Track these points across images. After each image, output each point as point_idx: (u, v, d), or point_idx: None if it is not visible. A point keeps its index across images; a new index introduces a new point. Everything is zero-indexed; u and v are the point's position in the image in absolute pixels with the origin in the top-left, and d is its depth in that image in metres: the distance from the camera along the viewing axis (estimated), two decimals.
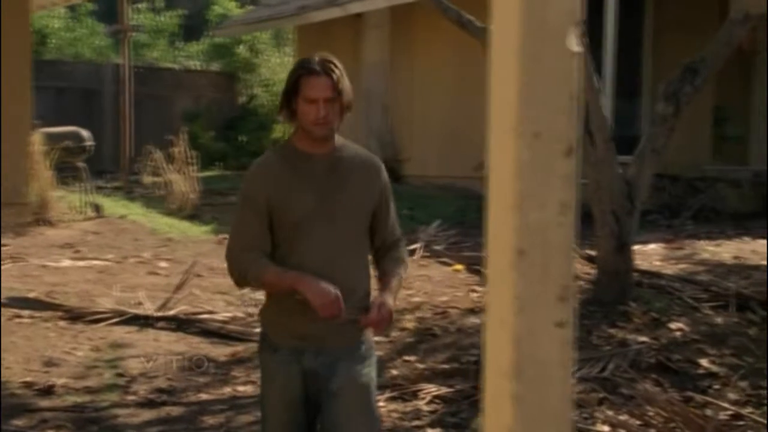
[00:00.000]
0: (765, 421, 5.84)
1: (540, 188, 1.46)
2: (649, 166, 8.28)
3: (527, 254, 1.46)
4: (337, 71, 3.61)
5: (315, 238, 3.68)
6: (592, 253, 8.93)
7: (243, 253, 3.70)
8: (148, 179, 15.80)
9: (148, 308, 7.63)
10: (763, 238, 11.93)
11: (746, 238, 11.96)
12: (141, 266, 9.73)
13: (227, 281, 9.06)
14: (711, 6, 15.62)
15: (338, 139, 3.78)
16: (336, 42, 18.99)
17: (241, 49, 23.25)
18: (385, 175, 3.87)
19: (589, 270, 9.35)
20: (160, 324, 7.41)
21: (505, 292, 1.47)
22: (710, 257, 10.75)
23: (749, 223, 13.38)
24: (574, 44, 1.46)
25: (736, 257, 10.72)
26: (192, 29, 29.23)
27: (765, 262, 10.25)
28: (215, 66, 24.65)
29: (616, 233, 8.14)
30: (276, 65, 23.02)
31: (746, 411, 6.09)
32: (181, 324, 7.41)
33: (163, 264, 9.86)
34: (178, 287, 7.68)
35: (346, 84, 3.64)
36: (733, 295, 8.45)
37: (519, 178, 1.46)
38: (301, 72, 3.62)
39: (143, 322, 7.43)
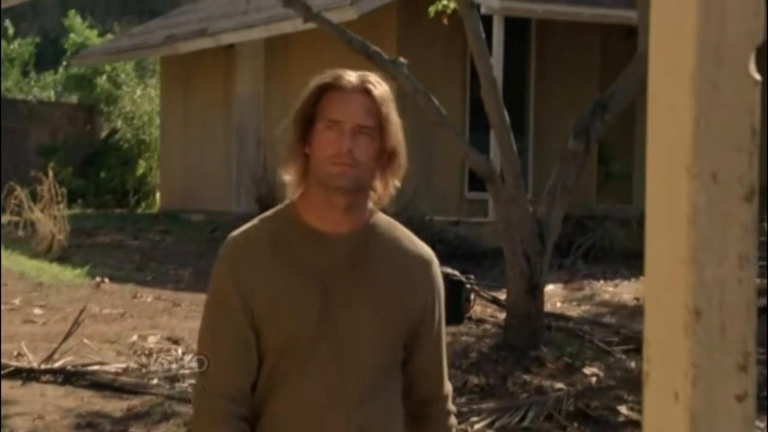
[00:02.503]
0: None
1: (718, 238, 1.30)
2: (560, 205, 8.26)
3: (704, 316, 1.29)
4: (380, 89, 2.52)
5: (311, 374, 2.52)
6: (500, 295, 8.85)
7: (213, 405, 2.50)
8: (5, 218, 15.21)
9: (32, 360, 7.24)
10: None
11: (642, 278, 12.09)
12: (14, 314, 9.29)
13: (112, 328, 8.78)
14: (592, 46, 15.94)
15: (374, 214, 2.61)
16: (205, 73, 18.75)
17: (102, 81, 22.74)
18: (436, 282, 2.64)
19: (495, 313, 9.30)
20: (46, 377, 7.05)
21: (678, 360, 1.29)
22: (611, 298, 10.84)
23: (640, 263, 13.48)
24: (755, 71, 1.31)
25: (636, 298, 10.82)
26: (46, 58, 28.52)
27: None
28: (73, 98, 24.05)
29: (526, 274, 8.08)
30: (139, 98, 22.56)
31: None
32: (69, 377, 7.05)
33: (37, 311, 9.45)
34: (67, 337, 7.31)
35: (393, 118, 2.53)
36: (643, 338, 8.47)
37: (694, 226, 1.29)
38: (326, 84, 2.53)
39: (27, 375, 7.06)
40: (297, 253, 2.54)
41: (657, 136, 1.34)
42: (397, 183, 2.57)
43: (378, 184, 2.57)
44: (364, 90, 2.51)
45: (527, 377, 7.61)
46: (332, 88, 2.52)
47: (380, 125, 2.51)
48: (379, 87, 2.53)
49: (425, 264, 2.62)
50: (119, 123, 22.58)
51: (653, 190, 1.34)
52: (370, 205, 2.59)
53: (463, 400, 6.98)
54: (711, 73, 1.30)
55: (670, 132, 1.32)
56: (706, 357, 1.30)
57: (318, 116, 2.52)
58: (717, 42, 1.30)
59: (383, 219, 2.63)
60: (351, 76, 2.53)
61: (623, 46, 15.36)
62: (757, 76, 1.32)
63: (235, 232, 2.61)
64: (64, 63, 24.75)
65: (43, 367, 7.13)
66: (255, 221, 2.62)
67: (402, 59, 7.93)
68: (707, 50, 1.30)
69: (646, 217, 1.37)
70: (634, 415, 7.13)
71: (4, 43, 26.02)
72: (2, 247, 13.46)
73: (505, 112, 8.15)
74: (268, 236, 2.56)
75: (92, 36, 25.47)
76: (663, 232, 1.33)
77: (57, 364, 7.19)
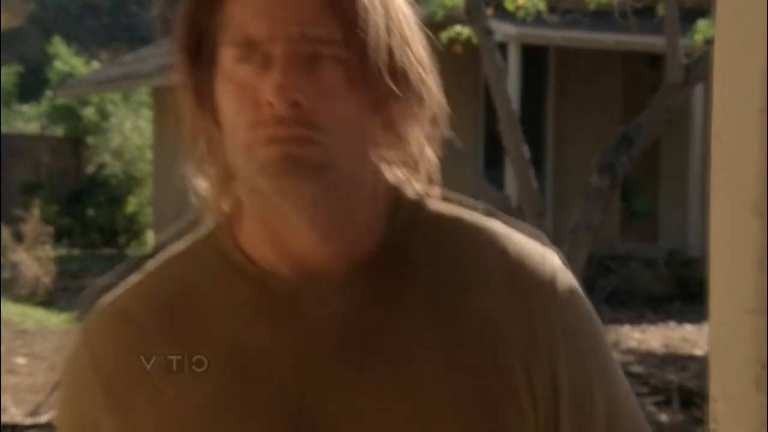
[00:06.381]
0: None
1: None
2: (584, 245, 8.23)
3: None
4: None
5: None
6: None
7: None
8: None
9: (15, 414, 7.22)
10: (687, 323, 12.05)
11: (671, 324, 12.07)
12: None
13: None
14: (614, 74, 16.00)
15: (402, 203, 1.33)
16: None
17: (89, 112, 22.80)
18: (561, 317, 1.34)
19: None
20: None
21: (749, 418, 1.27)
22: (638, 346, 10.80)
23: (668, 307, 13.52)
24: None
25: (665, 345, 10.79)
26: (29, 88, 28.64)
27: (697, 352, 10.32)
28: (58, 130, 24.11)
29: None
30: (129, 130, 22.61)
31: None
32: None
33: (21, 360, 9.43)
34: (54, 388, 7.27)
35: (390, 8, 1.25)
36: (675, 389, 8.44)
37: (763, 271, 1.27)
38: None
39: (11, 431, 7.02)
40: (228, 337, 1.26)
41: (722, 173, 1.32)
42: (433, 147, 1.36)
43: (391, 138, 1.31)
44: None
45: None
46: None
47: (359, 29, 1.21)
48: None
49: (526, 288, 1.33)
50: (107, 157, 22.60)
51: (718, 232, 1.32)
52: (390, 179, 1.33)
53: None
54: None
55: (736, 168, 1.30)
56: None
57: (220, 37, 1.24)
58: None
59: (429, 213, 1.36)
60: None
61: (647, 74, 15.42)
62: None
63: (105, 301, 1.32)
64: (50, 93, 24.84)
65: (28, 421, 7.11)
66: (148, 268, 1.32)
67: None
68: None
69: (710, 261, 1.35)
70: None
71: None
72: None
73: (526, 147, 8.15)
74: (163, 304, 1.28)
75: (79, 64, 25.58)
76: (729, 278, 1.30)
77: (43, 419, 7.16)
